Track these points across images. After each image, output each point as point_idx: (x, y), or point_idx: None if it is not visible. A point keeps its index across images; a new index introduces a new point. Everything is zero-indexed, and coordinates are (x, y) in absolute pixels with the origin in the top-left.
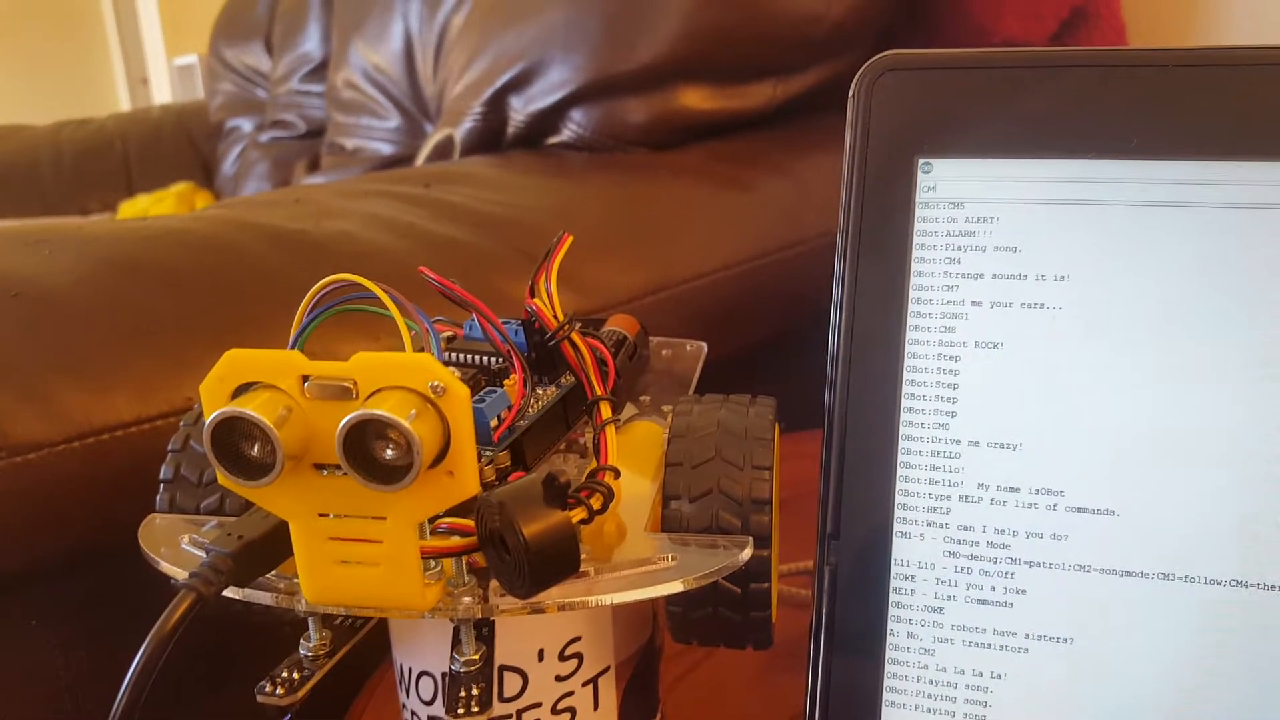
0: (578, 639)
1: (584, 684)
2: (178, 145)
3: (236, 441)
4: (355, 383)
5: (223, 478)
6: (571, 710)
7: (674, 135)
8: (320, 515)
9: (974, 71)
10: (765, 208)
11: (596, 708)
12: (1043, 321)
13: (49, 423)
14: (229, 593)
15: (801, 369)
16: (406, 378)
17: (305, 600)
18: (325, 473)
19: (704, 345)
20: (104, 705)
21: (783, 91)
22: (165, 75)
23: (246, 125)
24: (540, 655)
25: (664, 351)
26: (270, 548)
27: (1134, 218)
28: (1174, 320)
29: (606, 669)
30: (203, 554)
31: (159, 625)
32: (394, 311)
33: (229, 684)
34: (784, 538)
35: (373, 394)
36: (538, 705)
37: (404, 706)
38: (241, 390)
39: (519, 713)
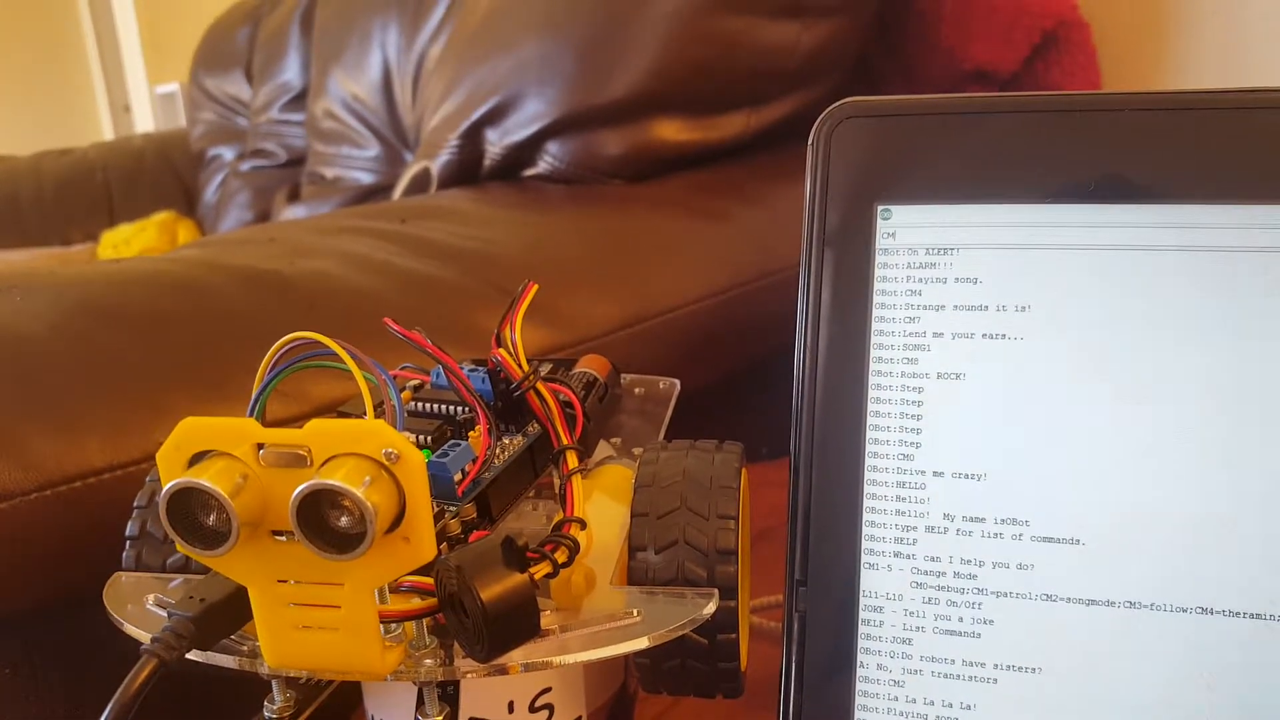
0: (548, 690)
1: None
2: (159, 174)
3: (193, 510)
4: (309, 450)
5: (181, 546)
6: None
7: (649, 166)
8: (279, 581)
9: (932, 118)
10: (742, 237)
11: None
12: (1005, 351)
13: (21, 471)
14: (193, 655)
15: (780, 395)
16: (361, 444)
17: (266, 665)
18: (283, 539)
19: (676, 383)
20: None
21: (756, 121)
22: (147, 103)
23: (228, 154)
24: (511, 707)
25: (636, 390)
26: (232, 610)
27: (1093, 260)
28: (1135, 349)
29: (579, 719)
30: (166, 615)
31: (121, 691)
32: (354, 368)
33: None
34: (760, 568)
35: (327, 461)
36: None
37: None
38: (198, 458)
39: None
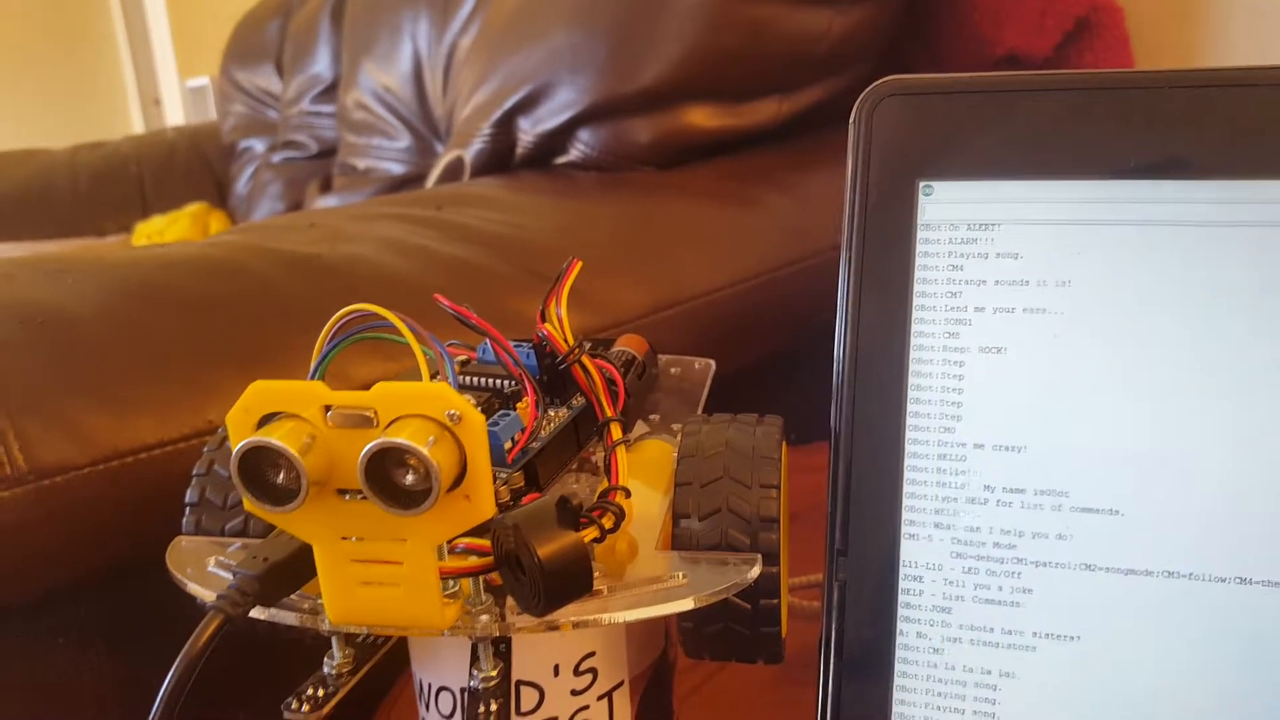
0: (592, 654)
1: (599, 698)
2: (191, 166)
3: (262, 469)
4: (376, 412)
5: (249, 504)
6: None
7: (680, 154)
8: (343, 538)
9: (973, 95)
10: (771, 224)
11: None
12: (1046, 326)
13: (75, 446)
14: (255, 613)
15: (809, 382)
16: (425, 406)
17: (328, 621)
18: (347, 497)
19: (712, 362)
20: None
21: (787, 108)
22: (178, 97)
23: (259, 146)
24: (556, 670)
25: (673, 369)
26: (294, 569)
27: (1134, 235)
28: (1176, 321)
29: (621, 683)
30: (229, 576)
31: (189, 645)
32: (410, 339)
33: (255, 702)
34: (794, 551)
35: (392, 422)
36: (554, 719)
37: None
38: (266, 420)
39: None
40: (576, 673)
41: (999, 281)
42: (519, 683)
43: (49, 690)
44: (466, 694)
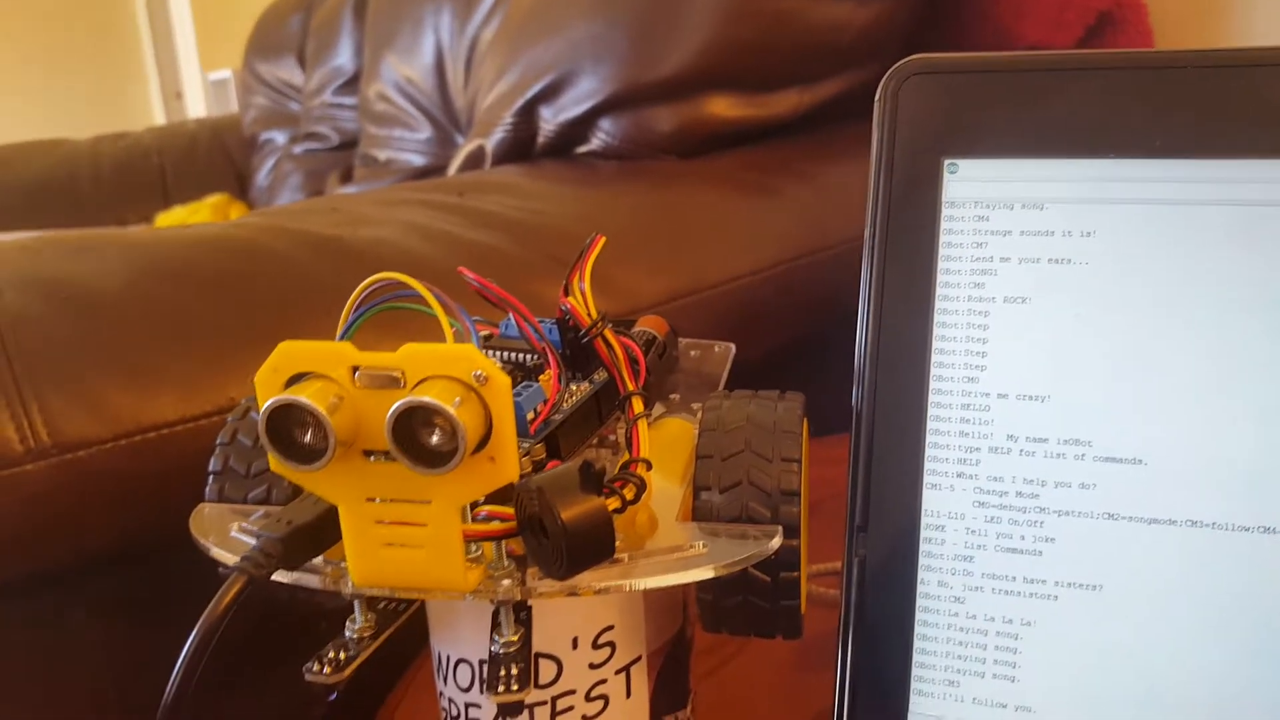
0: (610, 628)
1: (617, 672)
2: (213, 158)
3: (290, 428)
4: (403, 372)
5: (275, 463)
6: (604, 698)
7: (701, 143)
8: (368, 500)
9: (999, 74)
10: (791, 214)
11: (629, 696)
12: (1070, 276)
13: (98, 421)
14: (278, 576)
15: (826, 374)
16: (451, 367)
17: (352, 583)
18: (373, 459)
19: (731, 346)
20: (147, 697)
21: (809, 99)
22: (200, 90)
23: (280, 138)
24: (574, 643)
25: (692, 352)
26: (317, 533)
27: (1158, 214)
28: (1200, 273)
29: (638, 658)
30: (252, 541)
31: (211, 607)
32: (437, 309)
33: (269, 687)
34: (812, 541)
35: (419, 383)
36: (571, 692)
37: (441, 694)
38: (294, 381)
39: (554, 700)
40: (595, 646)
41: (1024, 232)
42: (537, 655)
43: (68, 664)
44: (487, 659)
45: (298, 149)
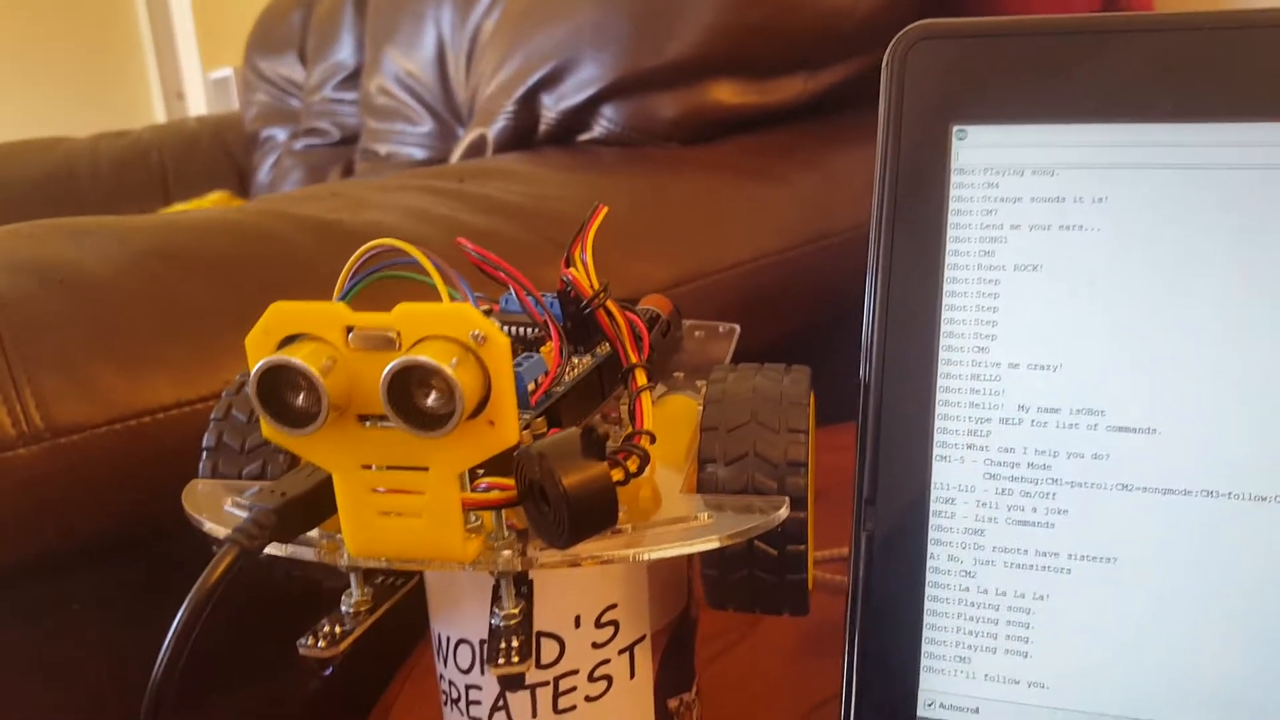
0: (614, 606)
1: (620, 652)
2: (213, 155)
3: (282, 391)
4: (398, 333)
5: (267, 428)
6: (608, 678)
7: (705, 130)
8: (363, 467)
9: (1007, 39)
10: (796, 200)
11: (633, 676)
12: (1081, 243)
13: (91, 405)
14: (272, 549)
15: (832, 362)
16: (448, 327)
17: (348, 554)
18: (368, 424)
19: (736, 327)
20: (144, 686)
21: (813, 85)
22: (200, 89)
23: (281, 134)
24: (577, 622)
25: (696, 333)
26: (312, 505)
27: (1169, 178)
28: (1215, 238)
29: (642, 638)
30: (245, 515)
31: (202, 579)
32: (435, 276)
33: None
34: (818, 528)
35: (415, 344)
36: (574, 672)
37: (441, 677)
38: (287, 342)
39: (556, 680)
40: (598, 625)
41: (1035, 199)
42: (539, 634)
43: (63, 653)
44: (488, 634)
45: (299, 145)
